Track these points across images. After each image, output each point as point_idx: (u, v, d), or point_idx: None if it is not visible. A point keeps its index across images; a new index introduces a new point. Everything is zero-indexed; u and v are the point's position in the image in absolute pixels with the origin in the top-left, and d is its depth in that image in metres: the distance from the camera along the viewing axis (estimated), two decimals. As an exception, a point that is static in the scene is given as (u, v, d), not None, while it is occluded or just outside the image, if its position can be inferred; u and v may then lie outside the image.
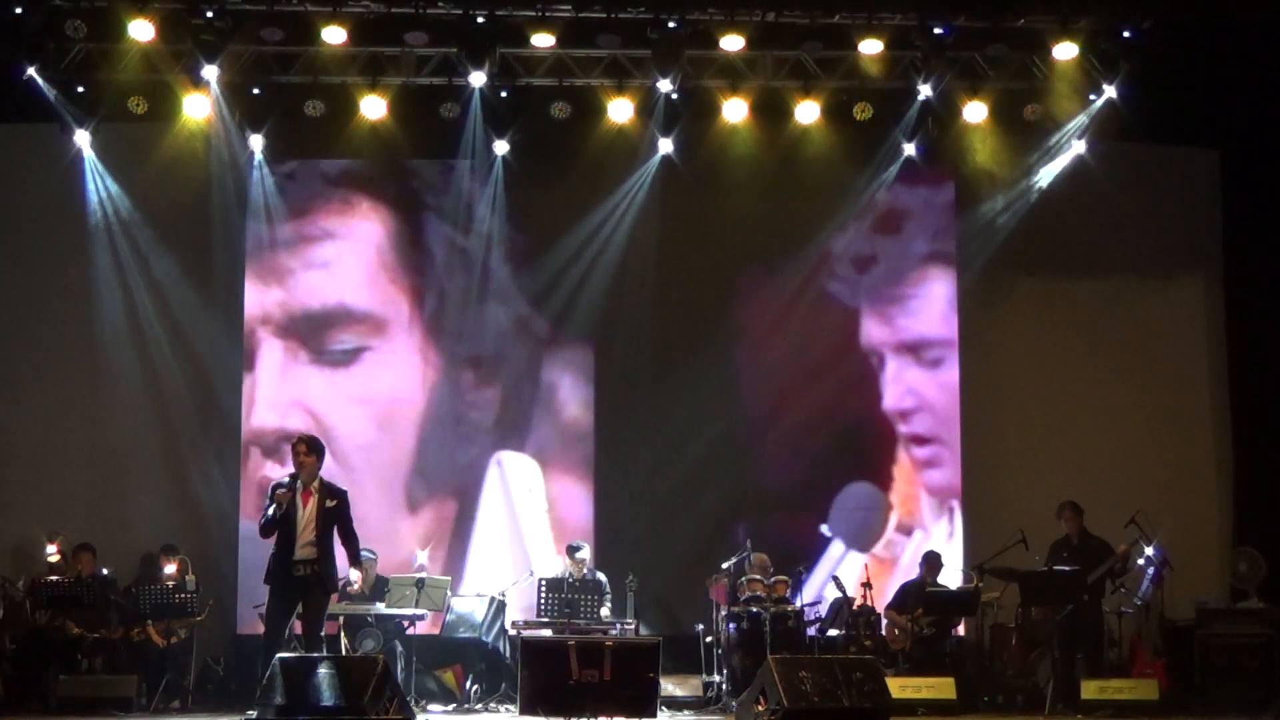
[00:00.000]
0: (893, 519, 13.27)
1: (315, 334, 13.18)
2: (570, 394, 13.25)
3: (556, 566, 12.38)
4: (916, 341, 13.43)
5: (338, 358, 13.18)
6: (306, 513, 9.69)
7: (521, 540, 13.05)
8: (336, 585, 9.98)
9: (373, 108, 12.40)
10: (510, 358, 13.26)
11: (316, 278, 13.25)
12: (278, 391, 13.09)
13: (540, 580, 11.62)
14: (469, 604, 12.36)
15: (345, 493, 9.91)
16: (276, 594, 9.71)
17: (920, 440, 13.34)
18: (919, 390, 13.39)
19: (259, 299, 13.16)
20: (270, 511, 9.66)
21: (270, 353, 13.12)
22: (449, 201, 13.32)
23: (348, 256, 13.26)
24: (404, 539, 12.79)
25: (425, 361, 13.24)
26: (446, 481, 13.15)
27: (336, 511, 9.75)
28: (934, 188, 13.49)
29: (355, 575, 9.97)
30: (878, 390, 13.39)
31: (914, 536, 13.21)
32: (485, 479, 13.14)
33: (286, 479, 9.77)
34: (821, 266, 13.40)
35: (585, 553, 11.97)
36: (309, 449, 9.79)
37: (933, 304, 13.48)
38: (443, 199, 13.33)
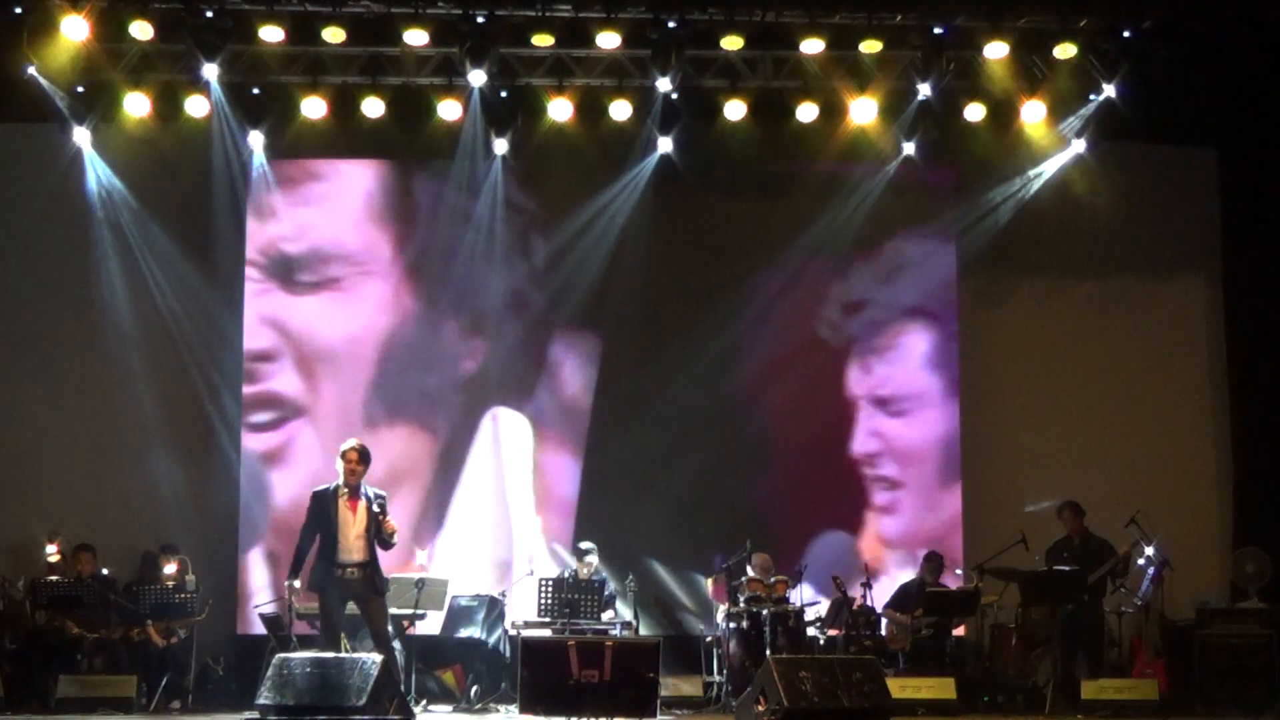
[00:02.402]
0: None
1: (296, 269, 13.24)
2: (572, 375, 13.30)
3: (534, 529, 12.76)
4: (893, 396, 13.43)
5: (308, 287, 13.23)
6: (356, 519, 9.85)
7: (504, 497, 13.09)
8: (387, 585, 10.16)
9: (373, 108, 12.42)
10: (509, 324, 13.27)
11: (313, 224, 13.32)
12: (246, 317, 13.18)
13: (541, 580, 11.63)
14: (471, 602, 12.41)
15: (386, 497, 10.07)
16: (325, 597, 9.87)
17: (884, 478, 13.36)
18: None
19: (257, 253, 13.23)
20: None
21: (250, 289, 13.21)
22: (450, 196, 13.34)
23: (343, 210, 13.36)
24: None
25: (397, 297, 13.26)
26: (410, 409, 13.10)
27: (379, 511, 9.90)
28: (939, 242, 13.49)
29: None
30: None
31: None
32: (479, 431, 13.16)
33: (330, 487, 9.92)
34: (811, 309, 13.44)
35: (593, 555, 11.95)
36: (360, 458, 9.93)
37: (911, 356, 13.47)
38: (443, 194, 13.36)
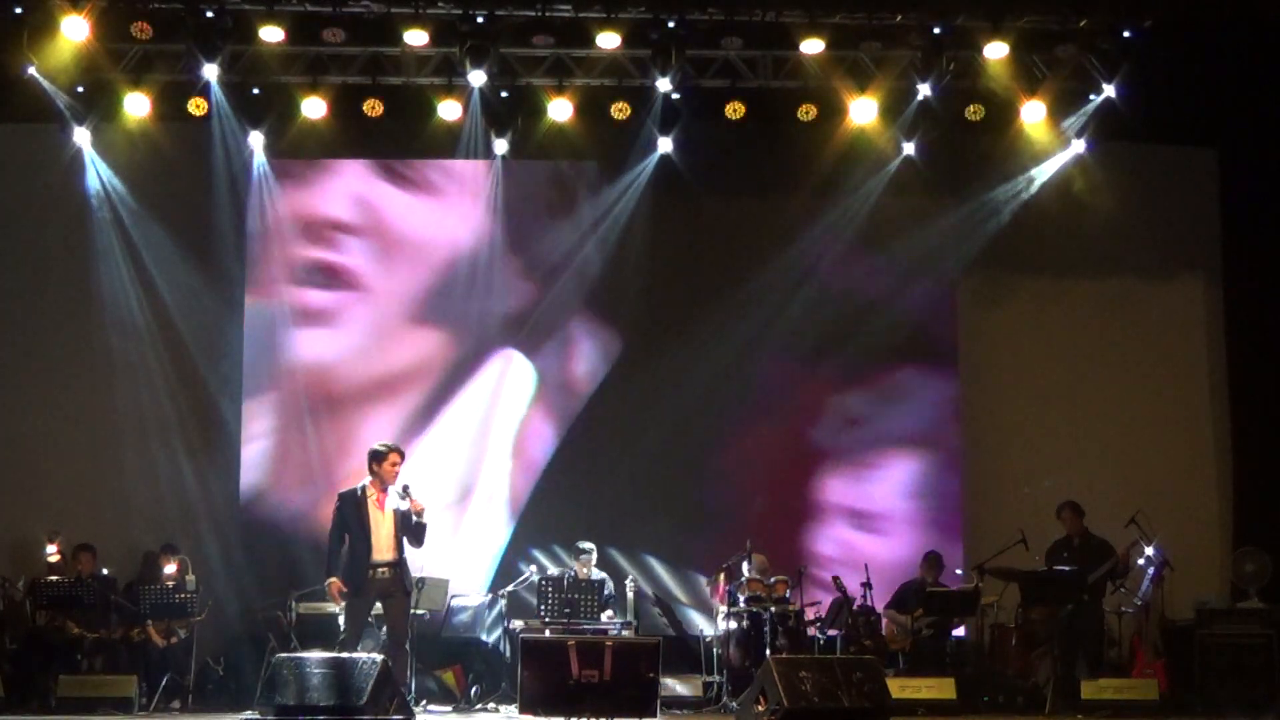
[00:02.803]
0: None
1: (407, 165, 13.47)
2: (583, 358, 13.43)
3: (502, 469, 13.10)
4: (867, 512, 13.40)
5: (411, 184, 13.45)
6: (386, 518, 9.97)
7: (489, 429, 13.30)
8: (414, 585, 10.33)
9: (373, 108, 12.42)
10: (566, 282, 13.41)
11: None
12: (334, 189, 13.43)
13: (541, 580, 11.63)
14: (472, 602, 12.41)
15: (409, 484, 10.10)
16: (355, 598, 9.93)
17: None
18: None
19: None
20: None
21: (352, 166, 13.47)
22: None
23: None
24: (398, 338, 13.33)
25: (484, 221, 13.41)
26: (448, 319, 13.34)
27: (406, 510, 9.98)
28: (940, 375, 13.46)
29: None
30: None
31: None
32: (490, 362, 13.34)
33: (358, 489, 10.01)
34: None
35: (592, 554, 11.95)
36: (403, 459, 10.07)
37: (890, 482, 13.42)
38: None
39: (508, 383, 13.37)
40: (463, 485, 13.23)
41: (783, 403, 13.28)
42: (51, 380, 12.98)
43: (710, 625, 12.25)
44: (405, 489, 9.99)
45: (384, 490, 10.00)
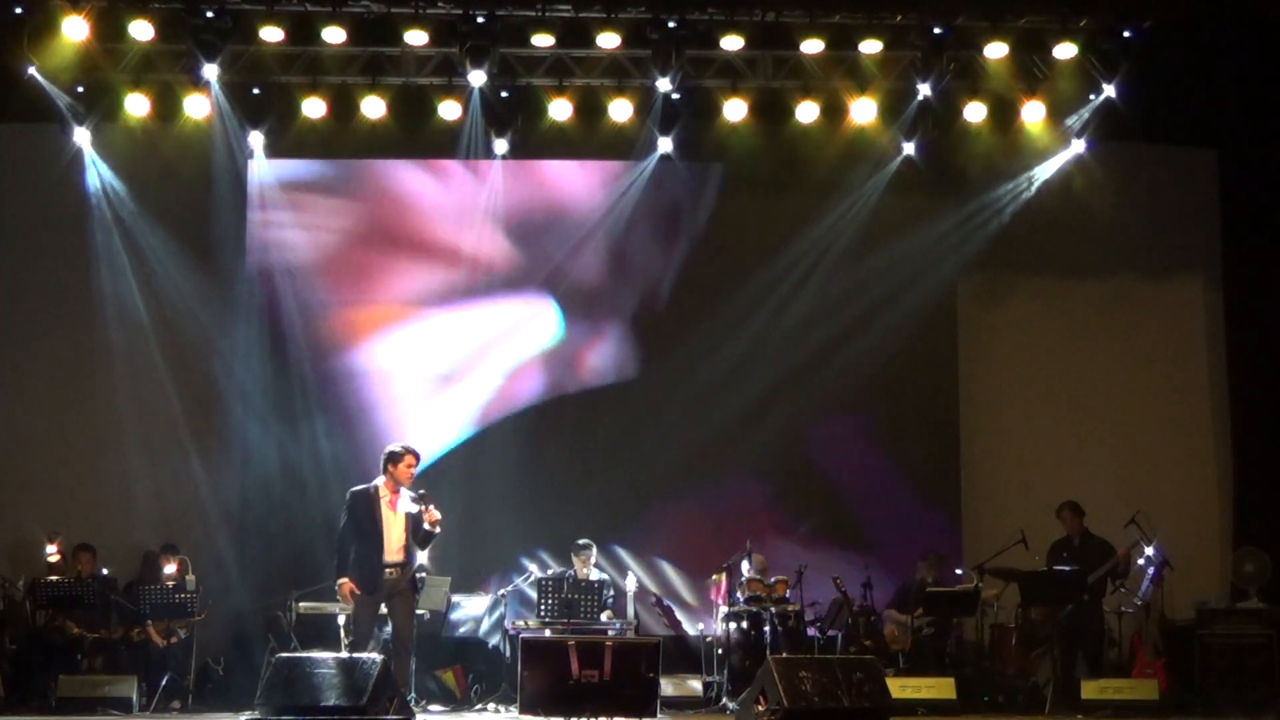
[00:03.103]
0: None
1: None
2: (596, 355, 13.44)
3: (492, 385, 13.23)
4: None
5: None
6: (398, 518, 9.93)
7: (491, 346, 13.36)
8: (421, 583, 10.29)
9: (373, 108, 12.42)
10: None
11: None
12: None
13: (540, 580, 11.63)
14: (471, 602, 12.41)
15: (426, 491, 10.09)
16: (366, 597, 9.88)
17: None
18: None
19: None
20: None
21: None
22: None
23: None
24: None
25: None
26: (523, 248, 13.41)
27: (417, 501, 9.96)
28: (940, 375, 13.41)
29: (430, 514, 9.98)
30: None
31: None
32: (512, 300, 13.39)
33: (370, 488, 9.96)
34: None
35: (591, 550, 11.95)
36: (418, 460, 10.03)
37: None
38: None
39: (534, 323, 13.40)
40: (442, 377, 13.29)
41: (782, 401, 13.24)
42: (51, 380, 12.98)
43: (707, 625, 12.26)
44: (423, 496, 9.96)
45: (396, 491, 9.95)
